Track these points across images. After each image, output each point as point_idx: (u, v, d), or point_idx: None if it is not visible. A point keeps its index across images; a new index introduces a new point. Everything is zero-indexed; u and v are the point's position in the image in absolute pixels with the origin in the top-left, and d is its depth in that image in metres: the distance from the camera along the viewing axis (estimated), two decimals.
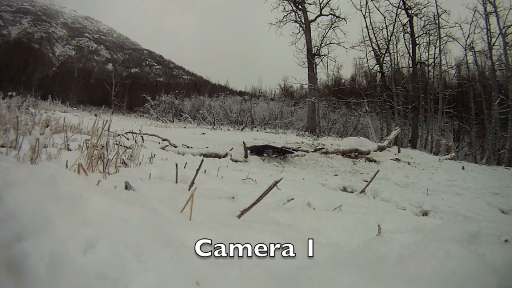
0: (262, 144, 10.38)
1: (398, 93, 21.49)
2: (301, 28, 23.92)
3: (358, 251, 1.41)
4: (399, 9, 21.71)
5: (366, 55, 23.49)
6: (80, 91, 41.39)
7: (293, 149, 10.44)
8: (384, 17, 24.03)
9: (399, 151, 13.60)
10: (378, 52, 22.57)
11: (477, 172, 10.74)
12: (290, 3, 23.93)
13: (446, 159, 13.39)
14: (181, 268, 1.48)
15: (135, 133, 9.27)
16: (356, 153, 11.81)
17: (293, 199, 2.82)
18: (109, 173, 2.73)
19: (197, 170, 2.85)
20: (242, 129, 21.48)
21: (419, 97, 20.77)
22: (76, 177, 1.67)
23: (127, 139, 7.72)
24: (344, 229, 2.25)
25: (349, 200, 4.09)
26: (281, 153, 9.86)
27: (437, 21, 20.52)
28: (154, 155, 4.68)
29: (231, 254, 1.67)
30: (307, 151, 11.00)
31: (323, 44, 23.66)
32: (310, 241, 2.00)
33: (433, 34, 21.02)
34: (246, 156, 8.93)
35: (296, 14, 24.08)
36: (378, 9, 28.50)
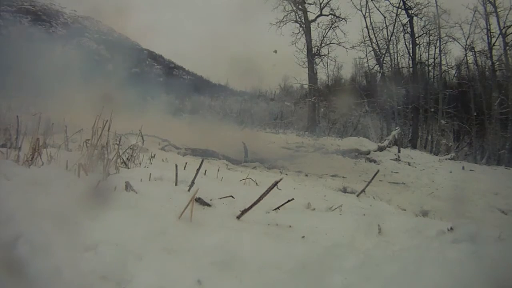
0: None
1: (398, 93, 21.48)
2: (301, 28, 23.92)
3: (356, 251, 1.42)
4: (399, 9, 21.74)
5: (366, 55, 23.55)
6: None
7: None
8: (384, 17, 24.08)
9: (399, 151, 13.59)
10: (378, 52, 22.57)
11: (477, 172, 10.74)
12: (290, 3, 23.91)
13: (446, 159, 13.40)
14: (183, 267, 1.49)
15: (134, 133, 9.25)
16: (356, 153, 11.80)
17: (293, 199, 2.82)
18: (109, 174, 2.73)
19: (197, 171, 2.85)
20: (242, 129, 21.51)
21: (419, 97, 20.78)
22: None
23: (127, 138, 7.71)
24: (344, 229, 2.26)
25: (349, 200, 4.08)
26: None
27: (437, 21, 20.51)
28: (154, 156, 4.68)
29: (231, 254, 1.67)
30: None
31: (323, 44, 23.67)
32: (310, 242, 2.01)
33: (433, 34, 21.04)
34: (246, 156, 8.93)
35: (296, 14, 24.09)
36: (378, 9, 28.45)
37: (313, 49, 23.98)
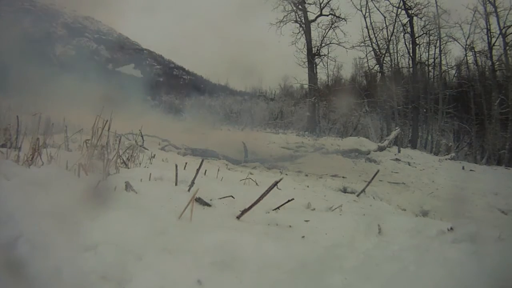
0: None
1: (398, 93, 21.48)
2: (301, 28, 23.94)
3: (356, 252, 1.42)
4: (399, 9, 21.75)
5: (366, 55, 23.60)
6: None
7: None
8: (384, 17, 24.11)
9: (399, 151, 13.60)
10: (378, 52, 22.58)
11: (477, 172, 10.74)
12: (290, 3, 23.94)
13: (446, 159, 13.41)
14: (183, 267, 1.49)
15: (134, 133, 9.25)
16: (356, 153, 11.81)
17: (293, 199, 2.82)
18: (109, 174, 2.73)
19: (197, 171, 2.85)
20: (242, 129, 21.51)
21: (419, 97, 20.79)
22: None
23: (127, 139, 7.71)
24: (344, 229, 2.25)
25: (349, 200, 4.08)
26: None
27: (437, 21, 20.52)
28: (154, 156, 4.68)
29: (231, 254, 1.67)
30: None
31: (323, 44, 23.71)
32: (310, 242, 2.01)
33: (433, 34, 21.05)
34: (246, 156, 8.94)
35: (296, 14, 24.11)
36: (378, 9, 28.46)
37: (313, 49, 23.96)
